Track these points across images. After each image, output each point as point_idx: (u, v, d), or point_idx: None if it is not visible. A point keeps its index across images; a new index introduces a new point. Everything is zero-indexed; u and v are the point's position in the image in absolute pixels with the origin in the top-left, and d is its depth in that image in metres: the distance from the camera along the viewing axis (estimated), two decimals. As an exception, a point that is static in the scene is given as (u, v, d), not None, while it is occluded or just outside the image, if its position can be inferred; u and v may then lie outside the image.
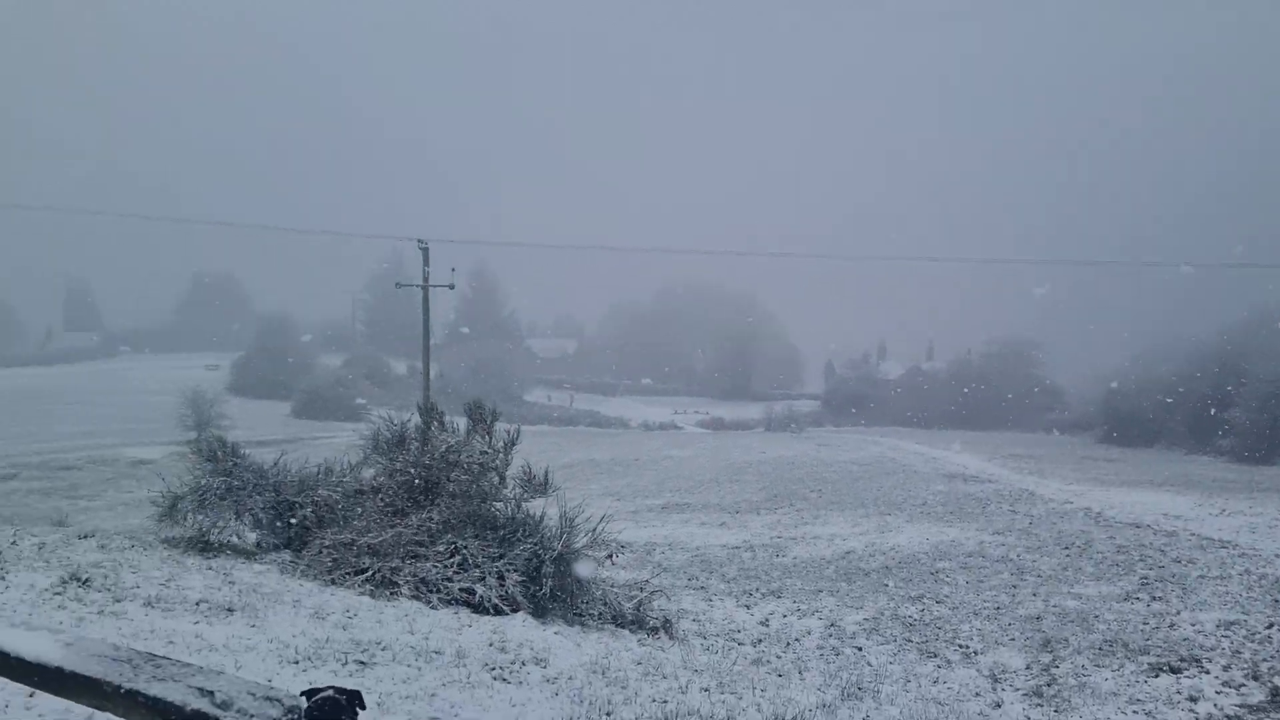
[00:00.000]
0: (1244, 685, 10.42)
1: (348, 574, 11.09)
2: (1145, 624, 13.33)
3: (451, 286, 37.77)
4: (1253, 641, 12.24)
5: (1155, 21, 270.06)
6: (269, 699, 2.58)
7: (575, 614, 11.39)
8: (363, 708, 2.62)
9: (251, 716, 2.50)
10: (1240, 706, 9.74)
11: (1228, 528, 22.30)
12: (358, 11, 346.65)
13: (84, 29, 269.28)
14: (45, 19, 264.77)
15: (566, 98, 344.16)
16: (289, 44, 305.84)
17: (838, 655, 11.84)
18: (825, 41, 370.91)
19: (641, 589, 12.73)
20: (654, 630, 11.81)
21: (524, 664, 8.42)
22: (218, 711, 2.55)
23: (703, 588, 16.80)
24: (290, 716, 2.53)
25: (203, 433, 42.20)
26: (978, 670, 11.28)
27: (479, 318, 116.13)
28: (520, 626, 9.92)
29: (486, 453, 12.23)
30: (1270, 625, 13.03)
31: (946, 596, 15.66)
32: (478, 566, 11.01)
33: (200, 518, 12.75)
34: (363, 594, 10.59)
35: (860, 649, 12.32)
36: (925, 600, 15.40)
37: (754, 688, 8.88)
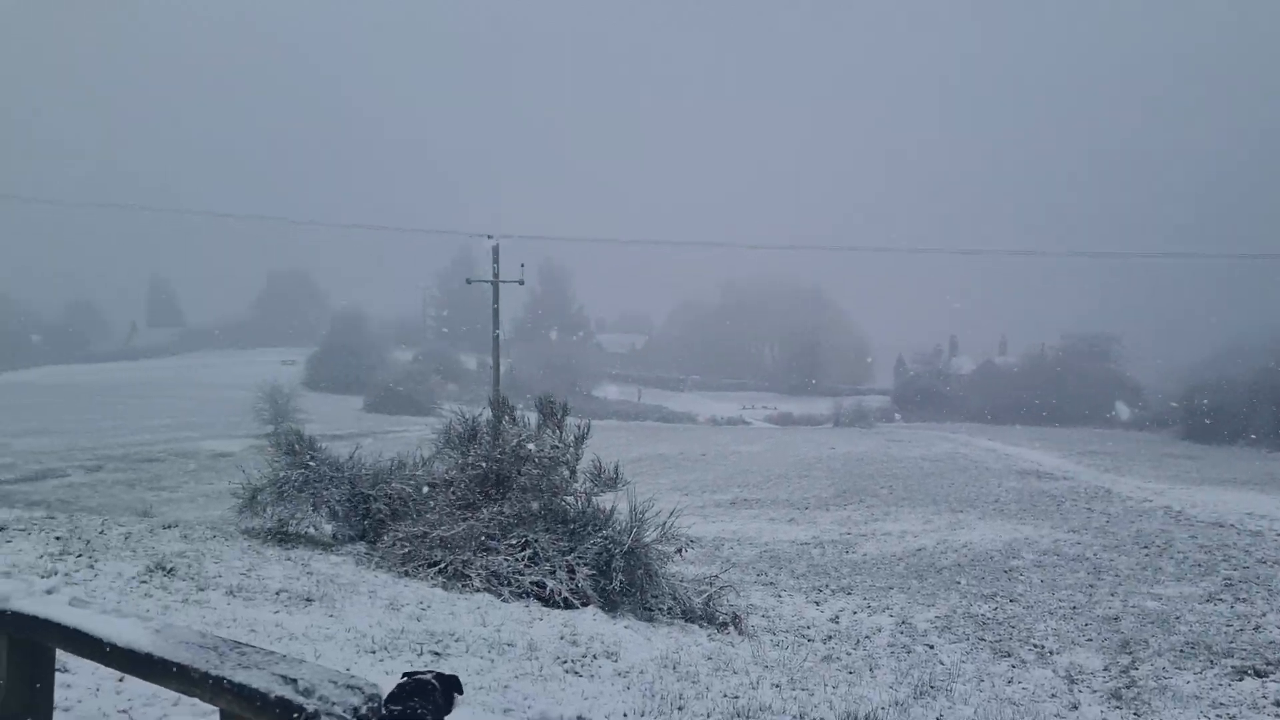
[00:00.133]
0: (1336, 691, 10.06)
1: (420, 566, 11.27)
2: (1229, 626, 12.93)
3: (521, 282, 37.48)
4: (1345, 646, 11.81)
5: (1155, 21, 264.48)
6: (350, 687, 2.64)
7: (644, 608, 11.41)
8: (459, 692, 2.68)
9: (333, 704, 2.57)
10: (1332, 713, 9.41)
11: (1318, 528, 21.55)
12: (358, 11, 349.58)
13: (84, 29, 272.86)
14: (45, 19, 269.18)
15: (566, 97, 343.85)
16: (289, 44, 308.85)
17: (909, 653, 11.68)
18: (825, 41, 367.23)
19: (710, 584, 12.70)
20: (723, 625, 11.77)
21: (595, 657, 8.45)
22: (301, 699, 2.62)
23: (772, 583, 16.71)
24: (370, 705, 2.59)
25: (280, 426, 43.20)
26: (1053, 671, 11.04)
27: (548, 313, 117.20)
28: (591, 620, 9.97)
29: (557, 447, 12.31)
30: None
31: (1020, 595, 15.36)
32: (548, 560, 11.10)
33: (279, 509, 13.14)
34: (435, 586, 10.74)
35: (932, 647, 12.13)
36: (998, 599, 15.12)
37: (825, 684, 8.81)
